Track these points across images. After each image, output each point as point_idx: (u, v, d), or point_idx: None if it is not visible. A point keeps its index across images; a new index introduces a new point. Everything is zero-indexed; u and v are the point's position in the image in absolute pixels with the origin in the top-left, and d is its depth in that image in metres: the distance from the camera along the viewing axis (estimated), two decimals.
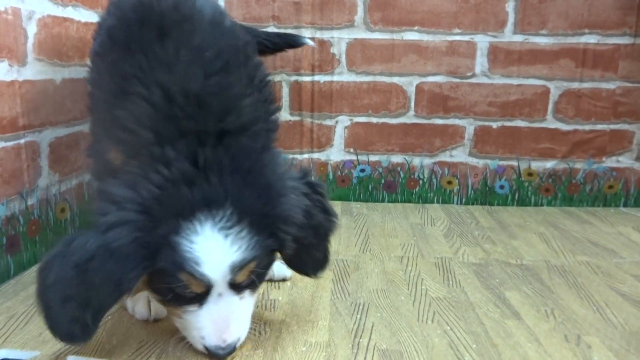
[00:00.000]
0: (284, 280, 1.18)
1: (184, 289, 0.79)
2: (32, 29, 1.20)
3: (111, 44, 0.91)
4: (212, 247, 0.76)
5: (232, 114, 0.84)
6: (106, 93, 0.89)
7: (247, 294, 0.85)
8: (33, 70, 1.21)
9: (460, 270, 1.29)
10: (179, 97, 0.81)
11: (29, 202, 1.21)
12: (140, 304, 1.01)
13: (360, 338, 0.95)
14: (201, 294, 0.80)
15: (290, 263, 0.93)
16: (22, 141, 1.18)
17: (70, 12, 1.35)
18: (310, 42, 1.62)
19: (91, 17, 1.44)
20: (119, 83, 0.85)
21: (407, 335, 0.96)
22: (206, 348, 0.83)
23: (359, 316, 1.04)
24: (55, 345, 0.89)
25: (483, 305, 1.10)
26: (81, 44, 1.39)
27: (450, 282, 1.21)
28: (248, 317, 0.87)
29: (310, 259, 0.92)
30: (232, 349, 0.83)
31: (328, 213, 0.91)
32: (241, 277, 0.81)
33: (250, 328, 0.89)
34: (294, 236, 0.83)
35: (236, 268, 0.78)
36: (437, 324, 1.01)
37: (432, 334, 0.97)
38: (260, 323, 1.00)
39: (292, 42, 1.58)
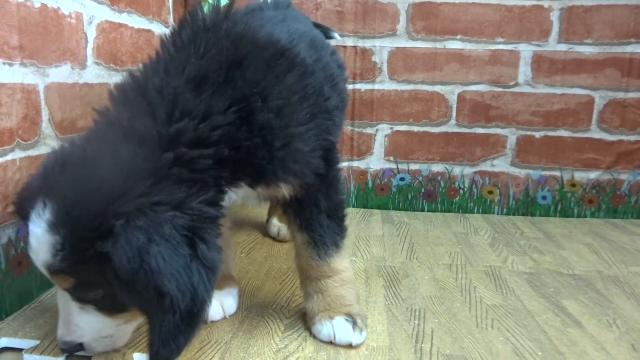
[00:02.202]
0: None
1: None
2: (91, 33, 1.23)
3: None
4: (35, 240, 0.72)
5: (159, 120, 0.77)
6: None
7: (91, 308, 0.78)
8: (92, 74, 1.23)
9: (512, 278, 1.27)
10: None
11: None
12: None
13: (422, 343, 0.94)
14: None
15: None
16: None
17: (125, 19, 1.37)
18: (337, 36, 1.60)
19: (143, 24, 1.46)
20: None
21: (469, 342, 0.95)
22: None
23: (417, 322, 1.03)
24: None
25: (542, 313, 1.08)
26: (134, 49, 1.42)
27: (504, 290, 1.19)
28: (93, 329, 0.79)
29: (152, 334, 0.71)
30: (70, 348, 0.80)
31: (192, 285, 0.70)
32: (63, 283, 0.76)
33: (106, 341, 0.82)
34: (121, 285, 0.70)
35: (51, 270, 0.73)
36: (497, 331, 0.99)
37: (494, 340, 0.96)
38: None
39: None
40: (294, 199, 0.93)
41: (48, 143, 1.09)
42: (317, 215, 0.95)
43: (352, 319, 0.93)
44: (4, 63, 0.95)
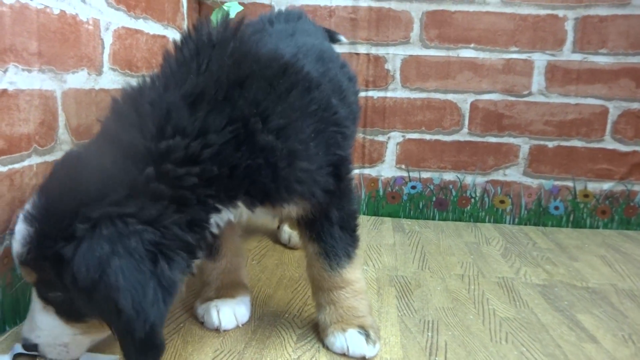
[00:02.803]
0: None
1: None
2: (108, 40, 1.23)
3: None
4: (16, 229, 0.75)
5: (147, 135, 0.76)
6: None
7: (51, 310, 0.79)
8: (107, 80, 1.24)
9: (525, 290, 1.26)
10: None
11: None
12: (210, 313, 1.01)
13: (435, 356, 0.93)
14: None
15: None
16: None
17: (142, 25, 1.38)
18: (344, 39, 1.60)
19: (159, 30, 1.47)
20: None
21: (483, 356, 0.94)
22: None
23: (430, 334, 1.02)
24: None
25: (556, 327, 1.07)
26: (149, 55, 1.43)
27: (517, 303, 1.18)
28: (50, 332, 0.80)
29: (122, 346, 0.71)
30: (27, 346, 0.81)
31: (143, 310, 0.67)
32: (28, 277, 0.78)
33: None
34: (78, 291, 0.70)
35: (19, 260, 0.76)
36: (512, 345, 0.99)
37: (508, 354, 0.95)
38: None
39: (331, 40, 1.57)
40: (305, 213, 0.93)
41: (64, 149, 1.10)
42: (329, 227, 0.94)
43: (365, 331, 0.93)
44: (23, 69, 0.96)
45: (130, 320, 0.66)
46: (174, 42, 0.88)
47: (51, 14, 1.03)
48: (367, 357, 0.91)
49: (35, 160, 1.02)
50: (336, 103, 0.95)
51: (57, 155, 1.07)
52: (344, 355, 0.92)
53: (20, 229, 0.75)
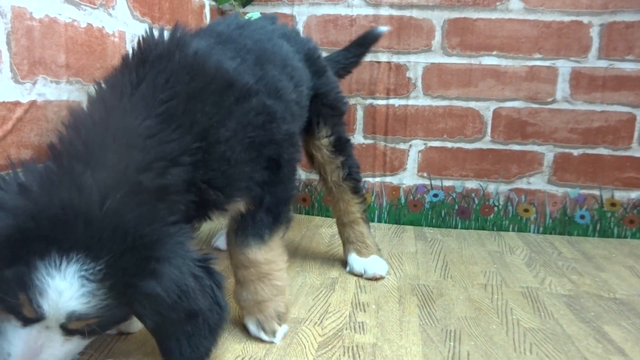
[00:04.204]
0: (375, 279, 1.16)
1: (17, 306, 0.75)
2: None
3: None
4: (64, 289, 0.72)
5: (152, 170, 0.81)
6: None
7: (76, 338, 0.80)
8: None
9: (550, 301, 1.24)
10: (112, 128, 0.82)
11: None
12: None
13: None
14: (30, 319, 0.76)
15: (155, 340, 0.84)
16: None
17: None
18: (385, 29, 1.62)
19: None
20: None
21: None
22: None
23: (452, 343, 1.01)
24: (157, 356, 0.91)
25: (582, 339, 1.05)
26: None
27: (542, 313, 1.17)
28: (66, 356, 0.81)
29: (177, 346, 0.81)
30: None
31: (218, 304, 0.83)
32: (75, 326, 0.77)
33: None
34: (157, 314, 0.78)
35: (73, 318, 0.75)
36: (536, 356, 0.97)
37: None
38: (352, 345, 0.99)
39: (371, 38, 1.59)
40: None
41: None
42: (256, 209, 0.99)
43: (260, 324, 1.01)
44: (51, 81, 0.99)
45: (207, 318, 0.81)
46: (126, 55, 0.93)
47: (78, 27, 1.06)
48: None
49: None
50: (271, 103, 1.00)
51: None
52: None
53: (73, 289, 0.73)
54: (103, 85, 0.89)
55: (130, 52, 0.93)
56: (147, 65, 0.89)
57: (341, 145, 1.37)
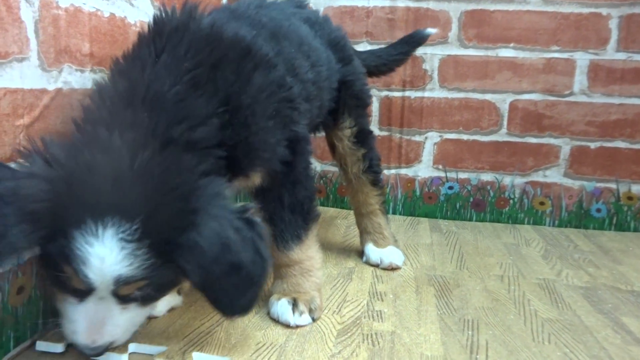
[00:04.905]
0: (391, 269, 1.29)
1: (68, 280, 0.76)
2: None
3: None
4: (105, 255, 0.72)
5: (183, 124, 0.82)
6: None
7: (133, 305, 0.81)
8: None
9: (567, 292, 1.24)
10: (140, 91, 0.83)
11: None
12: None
13: (477, 354, 0.93)
14: (83, 291, 0.77)
15: (203, 293, 0.84)
16: None
17: None
18: (433, 30, 1.62)
19: None
20: None
21: (525, 356, 0.93)
22: (75, 343, 0.80)
23: (470, 332, 1.02)
24: (180, 341, 0.92)
25: (600, 329, 1.05)
26: None
27: (559, 304, 1.17)
28: (129, 325, 0.83)
29: (225, 297, 0.82)
30: (100, 351, 0.80)
31: (260, 255, 0.82)
32: (126, 291, 0.78)
33: (135, 332, 0.86)
34: (201, 267, 0.77)
35: (121, 282, 0.75)
36: (554, 346, 0.97)
37: (552, 355, 0.94)
38: (370, 333, 1.00)
39: (418, 38, 1.59)
40: (261, 191, 1.03)
41: None
42: (280, 211, 1.03)
43: (293, 301, 1.02)
44: (76, 69, 1.00)
45: (250, 270, 0.80)
46: (143, 32, 0.96)
47: (102, 17, 1.08)
48: (291, 325, 1.00)
49: None
50: (290, 81, 1.02)
51: None
52: (277, 321, 1.03)
53: (116, 254, 0.73)
54: (122, 60, 0.92)
55: (146, 28, 0.96)
56: (163, 37, 0.91)
57: (363, 137, 1.38)
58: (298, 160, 1.03)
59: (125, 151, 0.76)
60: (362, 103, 1.40)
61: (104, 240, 0.72)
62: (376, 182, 1.41)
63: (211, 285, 0.80)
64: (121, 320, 0.80)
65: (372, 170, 1.40)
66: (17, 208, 0.70)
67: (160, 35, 0.92)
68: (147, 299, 0.82)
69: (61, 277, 0.76)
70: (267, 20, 1.10)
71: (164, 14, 0.96)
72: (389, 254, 1.37)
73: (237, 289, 0.81)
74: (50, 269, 0.78)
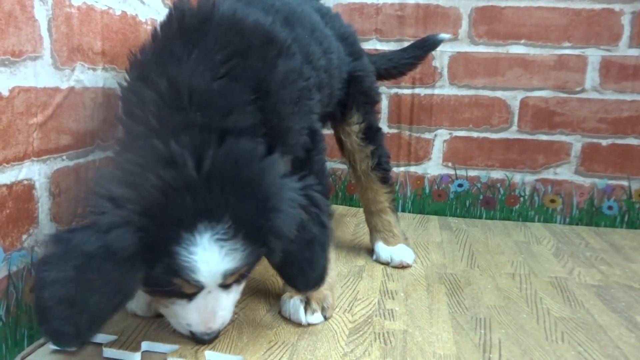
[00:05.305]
0: (402, 267, 1.32)
1: (176, 288, 0.80)
2: None
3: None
4: (209, 259, 0.76)
5: (234, 114, 0.84)
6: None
7: (234, 287, 0.87)
8: None
9: (579, 291, 1.23)
10: (184, 90, 0.82)
11: None
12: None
13: (490, 353, 0.93)
14: (192, 293, 0.83)
15: (280, 273, 0.93)
16: None
17: None
18: (447, 36, 1.61)
19: None
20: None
21: (539, 354, 0.93)
22: (192, 333, 0.87)
23: (483, 331, 1.01)
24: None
25: (614, 328, 1.04)
26: None
27: (572, 303, 1.16)
28: (232, 304, 0.90)
29: (301, 273, 0.90)
30: (216, 334, 0.89)
31: (324, 226, 0.89)
32: (230, 280, 0.84)
33: (233, 314, 0.93)
34: (283, 249, 0.83)
35: (227, 275, 0.80)
36: (568, 345, 0.97)
37: (565, 354, 0.93)
38: (382, 332, 1.00)
39: (431, 43, 1.58)
40: None
41: None
42: None
43: (306, 300, 1.02)
44: (88, 68, 1.00)
45: (322, 241, 0.89)
46: (167, 20, 0.95)
47: (113, 15, 1.08)
48: (303, 323, 1.01)
49: (98, 155, 1.06)
50: (307, 69, 1.02)
51: None
52: (288, 320, 1.03)
53: (221, 252, 0.77)
54: (149, 58, 0.89)
55: (165, 22, 0.94)
56: (190, 31, 0.89)
57: (372, 134, 1.37)
58: (316, 152, 1.04)
59: (189, 158, 0.76)
60: (370, 100, 1.39)
61: (204, 245, 0.75)
62: (385, 180, 1.40)
63: (289, 263, 0.87)
64: (228, 304, 0.87)
65: (381, 167, 1.39)
66: (115, 263, 0.71)
67: (187, 28, 0.90)
68: (244, 278, 0.89)
69: (169, 290, 0.81)
70: (280, 5, 1.09)
71: (184, 6, 0.94)
72: (399, 252, 1.36)
73: (310, 263, 0.89)
74: (156, 285, 0.81)
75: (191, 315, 0.85)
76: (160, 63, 0.86)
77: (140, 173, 0.75)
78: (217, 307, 0.85)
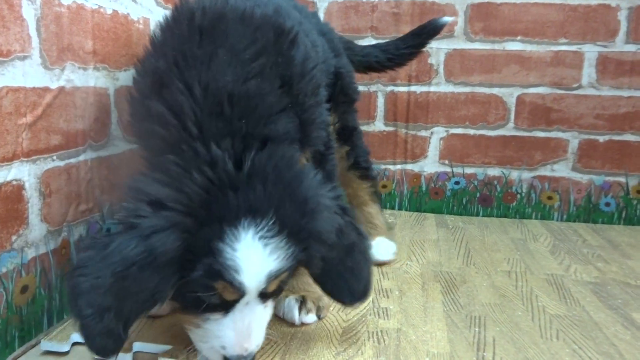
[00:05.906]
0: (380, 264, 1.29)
1: (214, 297, 0.76)
2: None
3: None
4: (253, 256, 0.73)
5: (273, 120, 0.83)
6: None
7: (269, 302, 0.83)
8: None
9: (575, 288, 1.22)
10: (221, 95, 0.80)
11: None
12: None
13: (484, 352, 0.92)
14: (229, 302, 0.77)
15: (322, 285, 0.89)
16: None
17: None
18: (449, 19, 1.56)
19: None
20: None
21: (533, 352, 0.92)
22: (226, 358, 0.79)
23: (477, 329, 1.01)
24: (184, 340, 0.92)
25: (610, 325, 1.03)
26: None
27: (568, 300, 1.15)
28: (265, 324, 0.84)
29: (344, 283, 0.87)
30: (252, 358, 0.80)
31: (361, 234, 0.88)
32: (272, 287, 0.79)
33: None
34: (323, 254, 0.81)
35: (272, 277, 0.76)
36: (563, 342, 0.96)
37: (560, 352, 0.92)
38: (376, 330, 0.99)
39: (432, 28, 1.52)
40: None
41: (116, 144, 1.14)
42: None
43: (301, 299, 1.01)
44: (79, 67, 1.00)
45: (361, 247, 0.87)
46: (189, 15, 0.90)
47: (105, 14, 1.07)
48: (296, 323, 0.99)
49: (90, 155, 1.06)
50: (314, 54, 1.01)
51: (109, 151, 1.11)
52: (281, 319, 1.01)
53: (265, 253, 0.74)
54: (169, 60, 0.84)
55: (169, 24, 0.91)
56: (210, 30, 0.86)
57: (346, 135, 1.34)
58: (330, 151, 1.06)
59: (230, 159, 0.76)
60: (349, 99, 1.36)
61: (247, 242, 0.73)
62: (365, 176, 1.39)
63: (330, 272, 0.85)
64: (263, 321, 0.82)
65: (359, 166, 1.37)
66: (155, 268, 0.70)
67: (200, 28, 0.86)
68: (279, 293, 0.85)
69: (205, 297, 0.76)
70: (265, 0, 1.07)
71: (191, 5, 0.91)
72: (376, 249, 1.31)
73: (352, 272, 0.86)
74: (192, 294, 0.76)
75: (227, 332, 0.78)
76: (183, 67, 0.82)
77: (183, 174, 0.74)
78: (254, 322, 0.79)
